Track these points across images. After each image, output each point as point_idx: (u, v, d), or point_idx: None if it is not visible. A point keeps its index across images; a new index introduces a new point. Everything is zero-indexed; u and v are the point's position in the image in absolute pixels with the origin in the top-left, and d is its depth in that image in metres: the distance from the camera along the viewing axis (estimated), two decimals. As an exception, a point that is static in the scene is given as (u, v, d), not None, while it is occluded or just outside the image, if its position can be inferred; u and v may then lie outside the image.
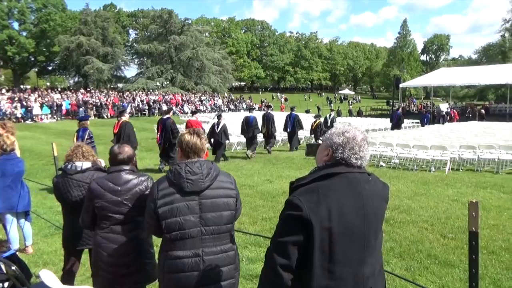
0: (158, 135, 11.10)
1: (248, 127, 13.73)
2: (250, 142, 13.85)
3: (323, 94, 73.36)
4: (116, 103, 33.64)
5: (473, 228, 2.39)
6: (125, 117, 10.52)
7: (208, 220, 2.32)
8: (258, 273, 4.28)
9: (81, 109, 30.33)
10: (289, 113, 15.83)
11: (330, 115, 18.42)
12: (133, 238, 2.91)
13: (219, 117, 12.99)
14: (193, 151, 2.40)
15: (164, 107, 35.05)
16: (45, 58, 50.42)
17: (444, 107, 33.88)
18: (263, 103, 46.76)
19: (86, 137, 8.84)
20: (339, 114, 32.96)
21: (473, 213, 2.37)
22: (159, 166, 10.90)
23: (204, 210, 2.31)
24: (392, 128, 21.77)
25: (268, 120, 14.57)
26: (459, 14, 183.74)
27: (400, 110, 27.86)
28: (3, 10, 44.57)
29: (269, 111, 15.37)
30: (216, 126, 12.38)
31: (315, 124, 15.86)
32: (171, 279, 2.32)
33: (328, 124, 16.92)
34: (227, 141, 13.12)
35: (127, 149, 3.02)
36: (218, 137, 12.26)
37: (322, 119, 17.06)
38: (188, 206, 2.29)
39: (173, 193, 2.30)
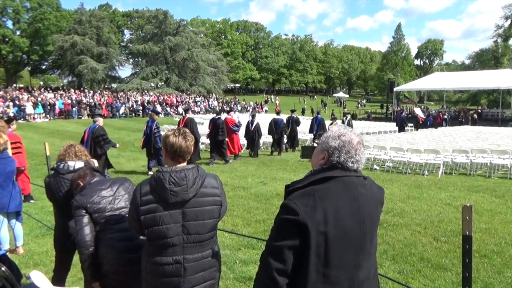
0: (208, 133, 12.36)
1: (276, 128, 14.78)
2: (278, 141, 14.97)
3: (315, 97, 73.48)
4: (110, 103, 33.42)
5: (467, 232, 2.40)
6: (189, 114, 11.97)
7: (191, 229, 2.27)
8: (251, 276, 4.27)
9: (74, 108, 30.11)
10: (314, 116, 17.14)
11: (346, 117, 18.61)
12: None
13: (253, 116, 14.38)
14: (177, 154, 2.31)
15: (159, 108, 35.06)
16: (38, 57, 50.14)
17: (418, 110, 34.91)
18: (257, 105, 46.87)
19: (154, 126, 10.31)
20: (354, 117, 33.19)
21: (467, 217, 2.38)
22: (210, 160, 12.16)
23: (187, 219, 2.26)
24: (399, 130, 22.56)
25: (292, 123, 15.99)
26: (454, 19, 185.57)
27: (403, 113, 28.75)
28: (-3, 9, 44.32)
29: (293, 114, 16.39)
30: (250, 125, 13.83)
31: (330, 126, 16.11)
32: (152, 280, 2.32)
33: None
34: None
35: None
36: (252, 134, 13.72)
37: (339, 121, 17.47)
38: (171, 216, 2.23)
39: (155, 201, 2.23)
